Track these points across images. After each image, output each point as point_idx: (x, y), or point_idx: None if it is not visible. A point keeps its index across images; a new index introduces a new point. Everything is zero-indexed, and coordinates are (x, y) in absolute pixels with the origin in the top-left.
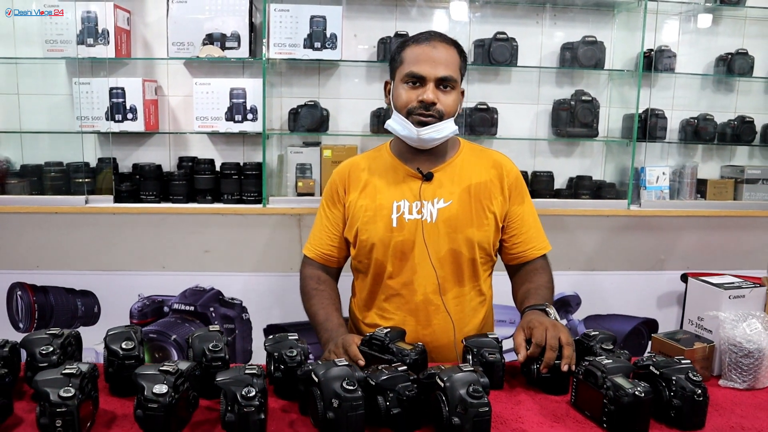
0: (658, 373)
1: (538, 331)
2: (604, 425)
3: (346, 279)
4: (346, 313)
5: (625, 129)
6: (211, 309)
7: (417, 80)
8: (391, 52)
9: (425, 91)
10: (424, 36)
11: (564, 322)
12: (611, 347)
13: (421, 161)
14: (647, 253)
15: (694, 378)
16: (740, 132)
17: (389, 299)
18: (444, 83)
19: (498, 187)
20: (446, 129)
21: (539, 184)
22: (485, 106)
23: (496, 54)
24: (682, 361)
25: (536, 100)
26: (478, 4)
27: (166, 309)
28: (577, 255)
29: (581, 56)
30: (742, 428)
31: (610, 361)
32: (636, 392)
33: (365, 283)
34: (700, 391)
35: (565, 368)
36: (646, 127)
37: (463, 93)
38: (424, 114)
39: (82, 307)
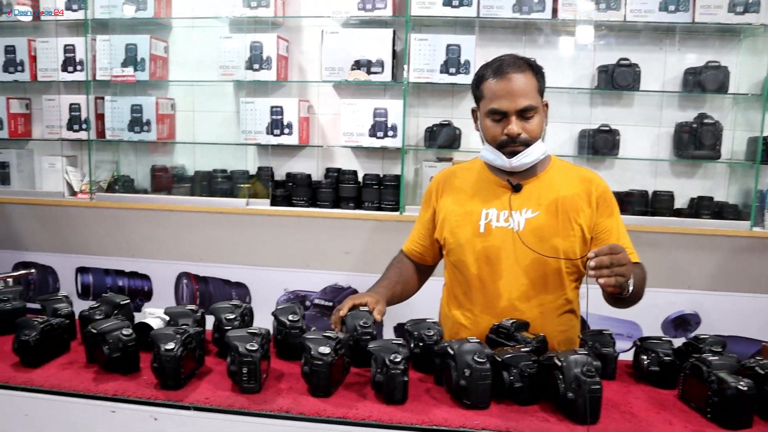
0: (763, 373)
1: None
2: (708, 416)
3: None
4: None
5: (749, 152)
6: None
7: (500, 115)
8: (473, 81)
9: (509, 124)
10: (498, 70)
11: (681, 341)
12: (720, 350)
13: (512, 174)
14: None
15: None
16: None
17: (474, 302)
18: (525, 112)
19: (585, 200)
20: (535, 152)
21: (660, 203)
22: (607, 128)
23: (619, 79)
24: None
25: (658, 122)
26: (603, 32)
27: (307, 303)
28: (698, 274)
29: (705, 80)
30: None
31: (716, 358)
32: (739, 386)
33: (454, 282)
34: None
35: (601, 281)
36: None
37: (546, 106)
38: (512, 146)
39: (236, 297)
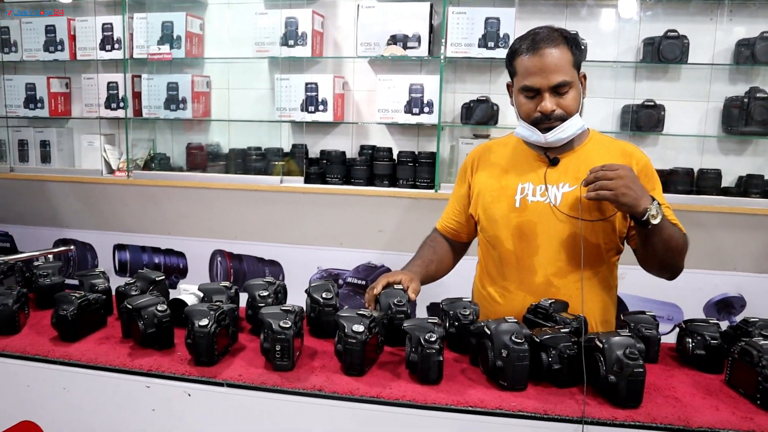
0: None
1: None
2: (758, 402)
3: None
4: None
5: None
6: None
7: (533, 92)
8: (506, 55)
9: (542, 101)
10: (531, 45)
11: (725, 324)
12: None
13: (548, 148)
14: None
15: None
16: None
17: (508, 278)
18: (559, 88)
19: None
20: (572, 127)
21: (706, 182)
22: (652, 103)
23: (666, 52)
24: None
25: (706, 97)
26: (650, 2)
27: (340, 282)
28: (745, 256)
29: (759, 52)
30: None
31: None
32: None
33: (488, 258)
34: None
35: (584, 196)
36: None
37: (585, 77)
38: (547, 123)
39: (270, 275)
